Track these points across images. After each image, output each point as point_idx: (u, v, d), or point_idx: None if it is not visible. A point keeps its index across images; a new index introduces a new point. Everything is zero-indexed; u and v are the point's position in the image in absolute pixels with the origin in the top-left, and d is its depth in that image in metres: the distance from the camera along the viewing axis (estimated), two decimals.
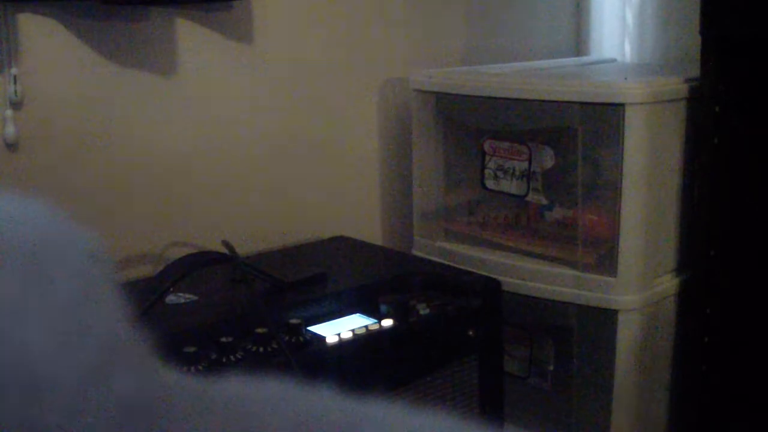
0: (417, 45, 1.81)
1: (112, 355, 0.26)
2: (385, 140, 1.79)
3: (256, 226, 1.61)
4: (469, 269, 1.49)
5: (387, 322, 1.25)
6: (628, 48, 1.97)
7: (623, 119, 1.42)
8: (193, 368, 1.07)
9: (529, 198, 1.58)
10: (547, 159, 1.55)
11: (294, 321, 1.18)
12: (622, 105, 1.42)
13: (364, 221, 1.78)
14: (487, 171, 1.62)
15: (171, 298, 1.26)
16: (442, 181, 1.71)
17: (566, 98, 1.46)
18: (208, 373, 1.07)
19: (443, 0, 1.84)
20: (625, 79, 1.54)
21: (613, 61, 1.98)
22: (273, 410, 0.32)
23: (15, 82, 1.31)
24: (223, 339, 1.12)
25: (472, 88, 1.58)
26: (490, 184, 1.62)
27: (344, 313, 1.28)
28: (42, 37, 1.34)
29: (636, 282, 1.47)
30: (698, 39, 1.44)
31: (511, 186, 1.59)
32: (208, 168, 1.54)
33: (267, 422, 0.31)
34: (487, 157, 1.62)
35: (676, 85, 1.51)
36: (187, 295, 1.28)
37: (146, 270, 1.46)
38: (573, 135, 1.48)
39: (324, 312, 1.27)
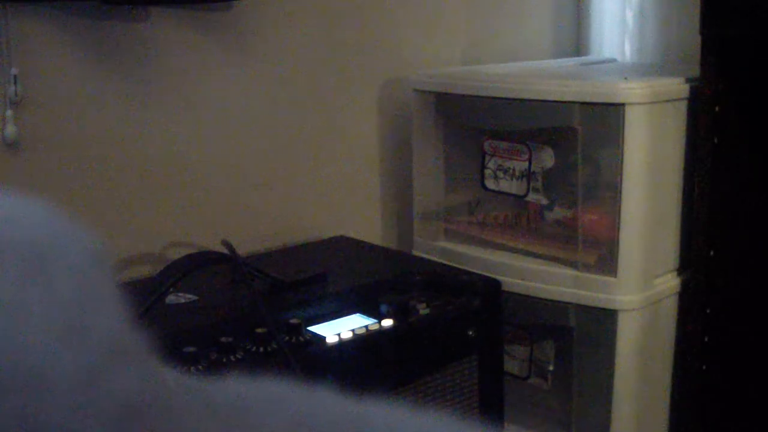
0: (417, 45, 1.81)
1: (112, 356, 0.26)
2: (385, 140, 1.79)
3: (256, 226, 1.61)
4: (469, 269, 1.49)
5: (387, 322, 1.25)
6: (628, 48, 1.97)
7: (623, 119, 1.42)
8: (193, 368, 1.07)
9: (529, 198, 1.58)
10: (547, 159, 1.55)
11: (294, 321, 1.18)
12: (622, 105, 1.42)
13: (364, 221, 1.78)
14: (487, 171, 1.62)
15: (171, 298, 1.26)
16: (442, 181, 1.71)
17: (566, 98, 1.46)
18: (208, 373, 1.07)
19: (443, 0, 1.84)
20: (625, 79, 1.54)
21: (613, 61, 1.98)
22: (273, 410, 0.32)
23: (15, 82, 1.31)
24: (223, 339, 1.12)
25: (472, 88, 1.58)
26: (490, 184, 1.62)
27: (344, 313, 1.28)
28: (42, 37, 1.34)
29: (636, 282, 1.47)
30: (698, 39, 1.44)
31: (511, 186, 1.59)
32: (208, 168, 1.54)
33: (267, 422, 0.31)
34: (487, 157, 1.62)
35: (676, 85, 1.51)
36: (187, 295, 1.28)
37: (146, 270, 1.46)
38: (573, 135, 1.48)
39: (324, 312, 1.27)
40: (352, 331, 1.21)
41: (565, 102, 1.46)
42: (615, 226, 1.46)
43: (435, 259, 1.61)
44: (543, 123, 1.52)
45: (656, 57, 1.92)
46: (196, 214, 1.54)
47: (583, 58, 2.02)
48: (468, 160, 1.67)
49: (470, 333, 1.33)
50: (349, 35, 1.70)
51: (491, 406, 1.37)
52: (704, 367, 1.53)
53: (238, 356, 1.11)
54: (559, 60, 1.97)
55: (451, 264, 1.58)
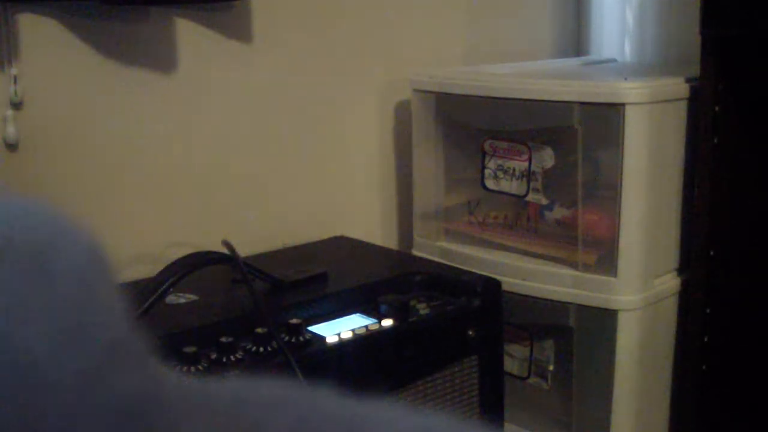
0: (417, 45, 1.81)
1: (112, 356, 0.26)
2: (385, 140, 1.79)
3: (256, 226, 1.61)
4: (469, 269, 1.49)
5: (387, 322, 1.25)
6: (628, 48, 1.97)
7: (623, 119, 1.42)
8: (193, 368, 1.07)
9: (529, 198, 1.58)
10: (547, 159, 1.55)
11: (294, 321, 1.18)
12: (622, 105, 1.42)
13: (364, 221, 1.78)
14: (487, 171, 1.62)
15: (171, 298, 1.26)
16: (442, 181, 1.71)
17: (566, 98, 1.46)
18: (208, 373, 1.07)
19: (443, 0, 1.84)
20: (625, 79, 1.54)
21: (613, 61, 1.98)
22: (273, 410, 0.32)
23: (15, 82, 1.31)
24: (223, 339, 1.12)
25: (472, 88, 1.58)
26: (490, 184, 1.62)
27: (344, 313, 1.28)
28: (42, 37, 1.34)
29: (636, 282, 1.47)
30: (698, 39, 1.44)
31: (511, 186, 1.59)
32: (208, 168, 1.54)
33: (267, 422, 0.31)
34: (487, 157, 1.62)
35: (676, 85, 1.51)
36: (187, 295, 1.28)
37: (146, 270, 1.46)
38: (573, 135, 1.48)
39: (324, 312, 1.27)
40: (352, 331, 1.21)
41: (565, 102, 1.46)
42: (615, 226, 1.46)
43: (435, 259, 1.61)
44: (543, 123, 1.52)
45: (656, 57, 1.92)
46: (196, 214, 1.54)
47: (583, 58, 2.02)
48: (468, 160, 1.67)
49: (470, 333, 1.33)
50: (349, 35, 1.70)
51: (491, 406, 1.37)
52: (704, 367, 1.53)
53: (238, 356, 1.11)
54: (559, 60, 1.97)
55: (451, 264, 1.58)
